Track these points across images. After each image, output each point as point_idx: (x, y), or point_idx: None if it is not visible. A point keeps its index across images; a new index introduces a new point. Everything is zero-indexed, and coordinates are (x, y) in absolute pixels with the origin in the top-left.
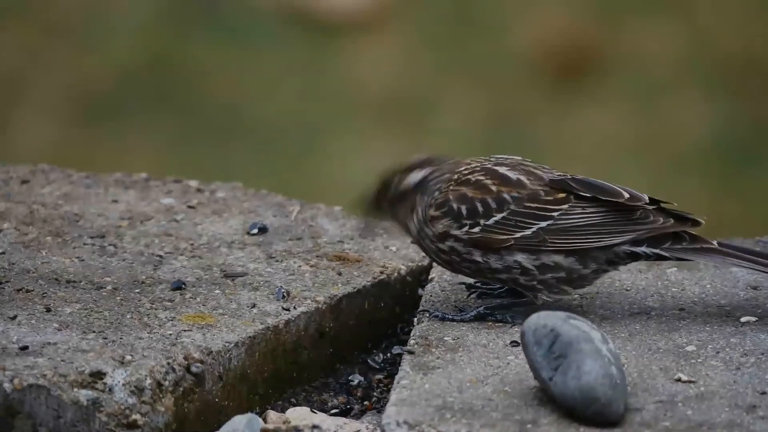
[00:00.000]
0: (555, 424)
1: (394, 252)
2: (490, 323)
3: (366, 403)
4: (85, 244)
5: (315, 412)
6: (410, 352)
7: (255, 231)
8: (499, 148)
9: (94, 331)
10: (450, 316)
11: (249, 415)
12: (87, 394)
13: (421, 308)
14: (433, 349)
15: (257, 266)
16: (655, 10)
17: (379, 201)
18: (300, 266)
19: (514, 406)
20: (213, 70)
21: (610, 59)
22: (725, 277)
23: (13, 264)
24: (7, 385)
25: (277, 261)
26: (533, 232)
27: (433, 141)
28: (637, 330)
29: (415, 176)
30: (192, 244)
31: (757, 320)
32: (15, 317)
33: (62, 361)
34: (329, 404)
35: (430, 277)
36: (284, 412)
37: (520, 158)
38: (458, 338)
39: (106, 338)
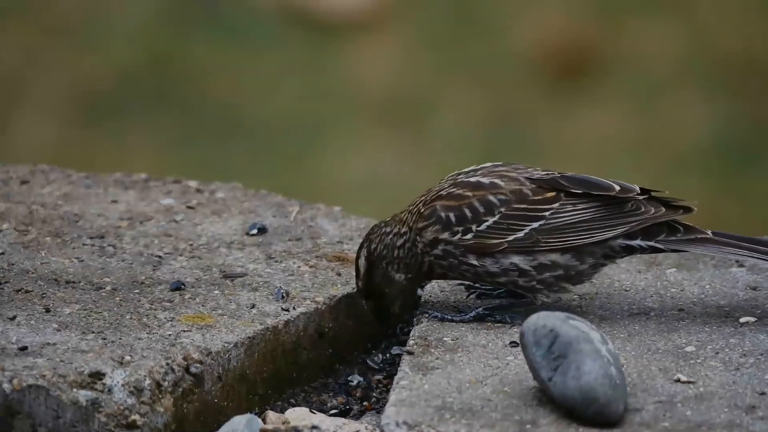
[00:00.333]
0: (554, 424)
1: None
2: (490, 324)
3: (365, 403)
4: (84, 244)
5: (314, 413)
6: (409, 353)
7: (254, 231)
8: (499, 148)
9: (93, 332)
10: (449, 317)
11: (248, 415)
12: (86, 394)
13: (420, 309)
14: (433, 350)
15: (257, 267)
16: (655, 10)
17: (367, 297)
18: (299, 267)
19: (513, 406)
20: (213, 70)
21: (610, 59)
22: (724, 277)
23: (13, 264)
24: (6, 386)
25: (276, 261)
26: (525, 233)
27: (433, 141)
28: (637, 330)
29: (361, 261)
30: (191, 245)
31: (756, 321)
32: (14, 318)
33: (61, 361)
34: (328, 404)
35: None
36: (283, 413)
37: (491, 164)
38: (457, 339)
39: (105, 339)
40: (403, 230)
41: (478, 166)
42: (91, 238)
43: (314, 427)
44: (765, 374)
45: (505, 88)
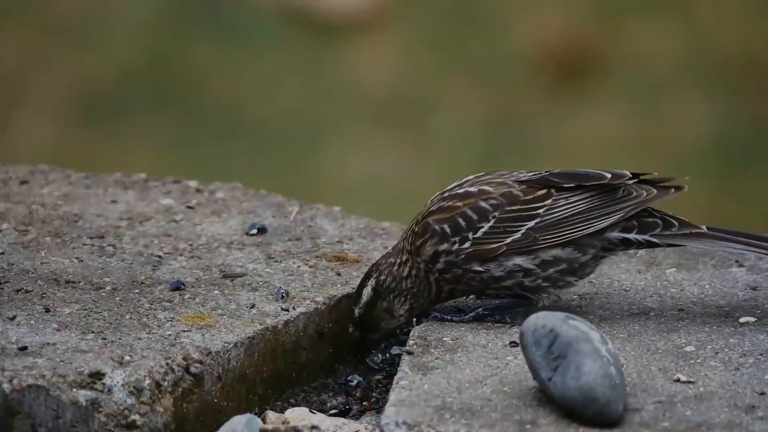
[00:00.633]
0: (554, 424)
1: None
2: (489, 324)
3: (365, 403)
4: (84, 244)
5: (314, 413)
6: (409, 353)
7: (254, 231)
8: (499, 148)
9: (93, 332)
10: (449, 317)
11: (248, 415)
12: (86, 394)
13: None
14: (432, 350)
15: (256, 267)
16: (655, 10)
17: (358, 326)
18: (299, 267)
19: (513, 406)
20: (213, 70)
21: (610, 59)
22: (724, 277)
23: (13, 264)
24: (6, 386)
25: (276, 261)
26: (522, 234)
27: (433, 141)
28: (636, 330)
29: (367, 291)
30: (191, 245)
31: (756, 321)
32: (14, 317)
33: (61, 361)
34: (328, 404)
35: None
36: (283, 413)
37: (473, 176)
38: (457, 339)
39: (105, 339)
40: (405, 258)
41: (462, 180)
42: (90, 238)
43: (314, 427)
44: (765, 374)
45: (505, 88)
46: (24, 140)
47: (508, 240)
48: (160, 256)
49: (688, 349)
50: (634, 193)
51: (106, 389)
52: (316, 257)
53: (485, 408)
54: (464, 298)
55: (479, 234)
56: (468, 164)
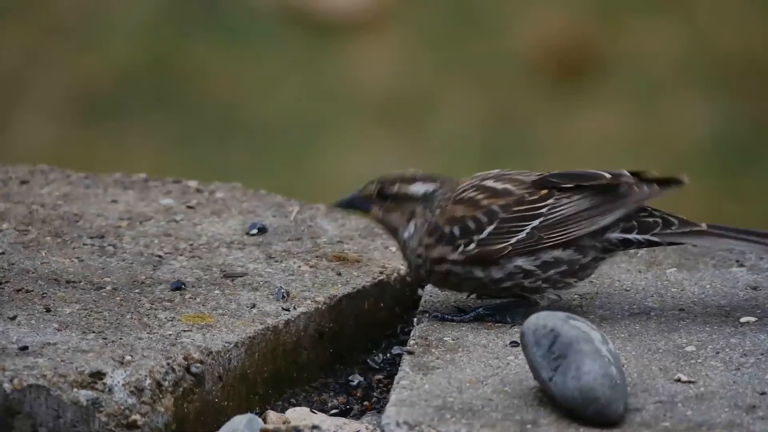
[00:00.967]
0: (555, 424)
1: (394, 252)
2: (490, 323)
3: (366, 403)
4: (84, 244)
5: (315, 413)
6: (410, 353)
7: (254, 231)
8: (499, 148)
9: (93, 332)
10: (450, 317)
11: (249, 415)
12: (87, 394)
13: (420, 308)
14: (433, 350)
15: (257, 266)
16: (655, 10)
17: (371, 196)
18: (299, 266)
19: (513, 406)
20: (213, 70)
21: (610, 59)
22: (725, 277)
23: (13, 264)
24: (6, 386)
25: (276, 261)
26: (527, 233)
27: (433, 141)
28: (637, 330)
29: (422, 187)
30: (191, 245)
31: (756, 320)
32: (15, 317)
33: (62, 361)
34: (329, 404)
35: None
36: (284, 413)
37: (497, 171)
38: (458, 338)
39: (105, 338)
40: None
41: (486, 173)
42: (91, 238)
43: (315, 426)
44: (765, 374)
45: (505, 88)
46: (24, 140)
47: (513, 240)
48: (160, 256)
49: (689, 348)
50: (635, 190)
51: (107, 389)
52: (317, 257)
53: (486, 408)
54: (464, 297)
55: (484, 234)
56: (468, 164)
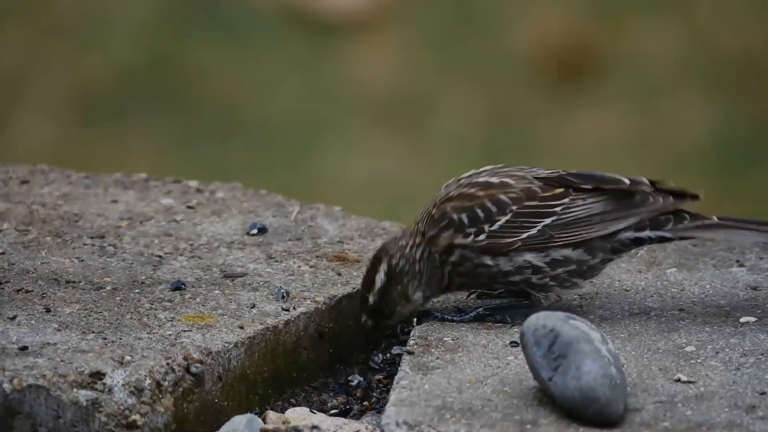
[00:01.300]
0: (555, 424)
1: None
2: (490, 324)
3: (365, 403)
4: (84, 244)
5: (314, 413)
6: (410, 353)
7: (254, 231)
8: (499, 148)
9: (93, 332)
10: (449, 317)
11: (248, 415)
12: (86, 394)
13: (421, 308)
14: (433, 350)
15: (257, 266)
16: (655, 10)
17: (372, 314)
18: (299, 266)
19: (513, 406)
20: (213, 70)
21: (610, 59)
22: (725, 277)
23: (13, 264)
24: (6, 386)
25: (276, 261)
26: (539, 230)
27: (433, 141)
28: (637, 330)
29: (380, 276)
30: (191, 245)
31: (756, 320)
32: (15, 317)
33: (62, 361)
34: (329, 404)
35: None
36: (284, 413)
37: (491, 166)
38: (458, 339)
39: (105, 338)
40: (418, 241)
41: (479, 170)
42: (91, 238)
43: (314, 427)
44: (765, 374)
45: (505, 88)
46: (24, 140)
47: (524, 235)
48: (160, 256)
49: (689, 348)
50: (652, 199)
51: (107, 389)
52: (317, 257)
53: (486, 408)
54: (465, 297)
55: (495, 227)
56: (468, 164)
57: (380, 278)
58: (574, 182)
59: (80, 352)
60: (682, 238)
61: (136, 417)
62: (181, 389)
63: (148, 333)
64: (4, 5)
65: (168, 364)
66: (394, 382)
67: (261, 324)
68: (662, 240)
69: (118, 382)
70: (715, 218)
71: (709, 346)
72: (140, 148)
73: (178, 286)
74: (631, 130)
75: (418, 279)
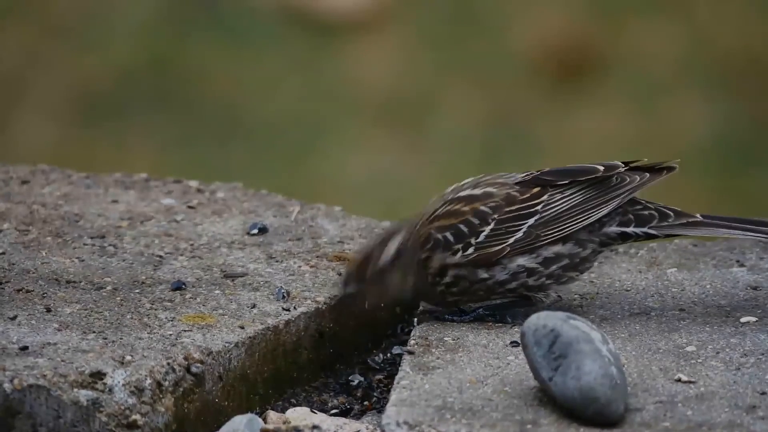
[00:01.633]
0: (555, 424)
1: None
2: (490, 323)
3: (366, 403)
4: (85, 244)
5: (315, 413)
6: (410, 353)
7: (255, 231)
8: (499, 148)
9: (94, 332)
10: (450, 317)
11: (249, 415)
12: (87, 394)
13: (421, 308)
14: (433, 350)
15: (257, 266)
16: (655, 10)
17: (361, 277)
18: (300, 266)
19: (514, 406)
20: (213, 70)
21: (610, 59)
22: (725, 277)
23: (13, 264)
24: (7, 386)
25: (277, 261)
26: (524, 232)
27: (433, 141)
28: (637, 330)
29: (390, 248)
30: (192, 245)
31: (757, 320)
32: (15, 317)
33: (62, 361)
34: (329, 404)
35: None
36: (284, 413)
37: (472, 178)
38: (458, 338)
39: (106, 338)
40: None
41: (462, 183)
42: (91, 238)
43: (315, 426)
44: (766, 374)
45: (505, 88)
46: (24, 140)
47: (511, 240)
48: (161, 256)
49: (689, 348)
50: (628, 179)
51: (107, 389)
52: (317, 257)
53: (486, 408)
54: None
55: (481, 238)
56: (468, 164)
57: (392, 248)
58: (550, 180)
59: (81, 352)
60: (668, 236)
61: (136, 417)
62: (181, 389)
63: (148, 333)
64: (4, 5)
65: (168, 364)
66: (395, 382)
67: (261, 324)
68: (649, 237)
69: (119, 382)
70: (699, 216)
71: (710, 346)
72: (140, 148)
73: (178, 286)
74: (631, 130)
75: (412, 276)
